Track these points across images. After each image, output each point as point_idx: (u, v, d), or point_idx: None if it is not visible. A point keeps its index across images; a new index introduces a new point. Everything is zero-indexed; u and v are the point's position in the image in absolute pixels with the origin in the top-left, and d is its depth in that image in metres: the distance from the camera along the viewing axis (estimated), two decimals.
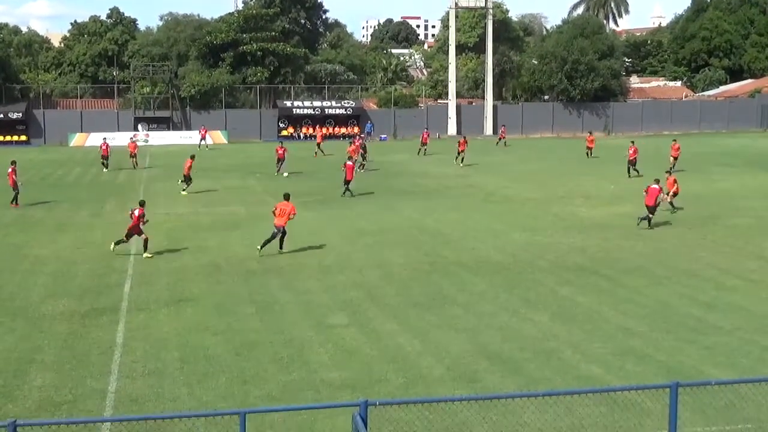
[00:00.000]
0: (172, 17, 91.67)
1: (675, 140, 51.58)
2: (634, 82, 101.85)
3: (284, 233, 26.86)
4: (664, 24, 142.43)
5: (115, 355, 17.09)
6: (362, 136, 67.99)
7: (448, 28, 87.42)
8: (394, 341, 18.01)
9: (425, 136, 62.92)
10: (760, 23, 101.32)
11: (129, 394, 15.03)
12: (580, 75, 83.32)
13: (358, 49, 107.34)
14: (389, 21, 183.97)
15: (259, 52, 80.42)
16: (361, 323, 19.39)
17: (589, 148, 57.55)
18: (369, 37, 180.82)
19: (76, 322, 19.53)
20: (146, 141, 71.32)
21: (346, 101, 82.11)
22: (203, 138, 70.02)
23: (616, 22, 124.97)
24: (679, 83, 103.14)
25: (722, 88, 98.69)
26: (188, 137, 73.61)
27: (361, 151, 51.43)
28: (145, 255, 26.26)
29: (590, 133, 62.36)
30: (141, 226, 26.44)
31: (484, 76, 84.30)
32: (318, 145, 59.99)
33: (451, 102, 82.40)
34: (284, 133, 76.67)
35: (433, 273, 24.36)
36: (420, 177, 47.67)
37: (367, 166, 50.65)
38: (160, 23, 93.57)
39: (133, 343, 17.90)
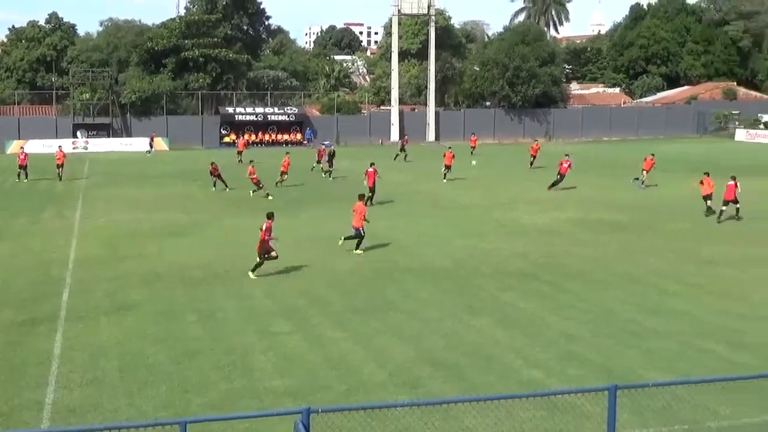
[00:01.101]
0: (113, 23, 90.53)
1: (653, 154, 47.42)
2: (575, 88, 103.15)
3: (361, 235, 28.06)
4: (603, 31, 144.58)
5: (52, 366, 16.80)
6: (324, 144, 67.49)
7: (390, 35, 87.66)
8: (338, 348, 17.98)
9: (404, 141, 64.69)
10: (696, 31, 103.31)
11: (67, 405, 14.79)
12: (522, 81, 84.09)
13: (301, 56, 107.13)
14: (332, 27, 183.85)
15: (201, 58, 79.82)
16: (304, 330, 19.32)
17: (533, 157, 55.56)
18: (312, 44, 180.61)
19: (12, 332, 19.17)
20: (85, 148, 70.34)
21: (288, 108, 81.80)
22: (151, 144, 69.47)
23: (556, 30, 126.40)
24: (617, 90, 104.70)
25: (660, 94, 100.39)
26: (128, 144, 72.75)
27: (326, 158, 51.17)
28: (250, 274, 24.64)
29: (535, 140, 61.70)
30: (270, 243, 24.54)
31: (427, 82, 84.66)
32: (239, 152, 59.34)
33: (394, 108, 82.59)
34: (226, 139, 76.15)
35: (378, 279, 24.38)
36: (360, 184, 47.60)
37: (332, 174, 50.36)
38: (100, 29, 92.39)
39: (72, 352, 17.61)
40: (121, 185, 46.54)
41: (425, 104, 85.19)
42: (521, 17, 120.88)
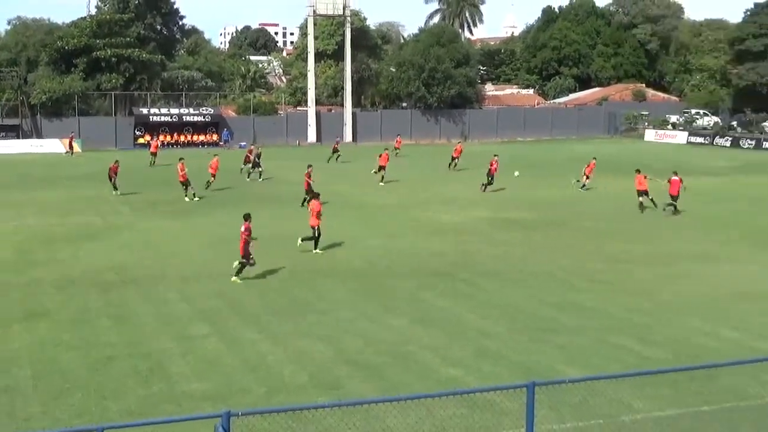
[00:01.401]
0: (21, 21, 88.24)
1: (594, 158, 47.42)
2: (489, 89, 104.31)
3: (317, 234, 28.04)
4: (516, 33, 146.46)
5: None
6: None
7: (306, 36, 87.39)
8: (256, 350, 17.90)
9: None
10: (606, 34, 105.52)
11: None
12: (437, 83, 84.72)
13: (216, 56, 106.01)
14: (247, 28, 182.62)
15: (113, 58, 78.34)
16: (222, 332, 19.18)
17: (454, 158, 54.96)
18: (227, 44, 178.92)
19: None
20: None
21: (204, 108, 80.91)
22: (71, 145, 67.94)
23: (471, 32, 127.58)
24: (531, 91, 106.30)
25: (572, 95, 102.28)
26: (39, 146, 71.03)
27: (254, 159, 50.67)
28: (233, 278, 24.19)
29: (459, 141, 60.49)
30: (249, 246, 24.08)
31: (343, 83, 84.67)
32: (153, 154, 58.39)
33: (311, 109, 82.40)
34: (141, 141, 74.96)
35: (294, 280, 24.32)
36: (280, 184, 47.46)
37: (260, 175, 49.89)
38: (8, 27, 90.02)
39: None
40: (32, 188, 45.46)
41: (342, 105, 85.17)
42: (436, 19, 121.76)
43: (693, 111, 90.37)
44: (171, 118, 77.42)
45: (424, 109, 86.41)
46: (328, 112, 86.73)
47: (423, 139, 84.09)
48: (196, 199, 39.71)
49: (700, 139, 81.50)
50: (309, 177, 38.79)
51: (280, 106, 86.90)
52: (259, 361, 17.15)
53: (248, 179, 49.10)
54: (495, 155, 45.50)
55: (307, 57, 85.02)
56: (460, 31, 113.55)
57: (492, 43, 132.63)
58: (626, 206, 38.51)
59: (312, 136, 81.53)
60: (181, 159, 41.52)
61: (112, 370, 16.66)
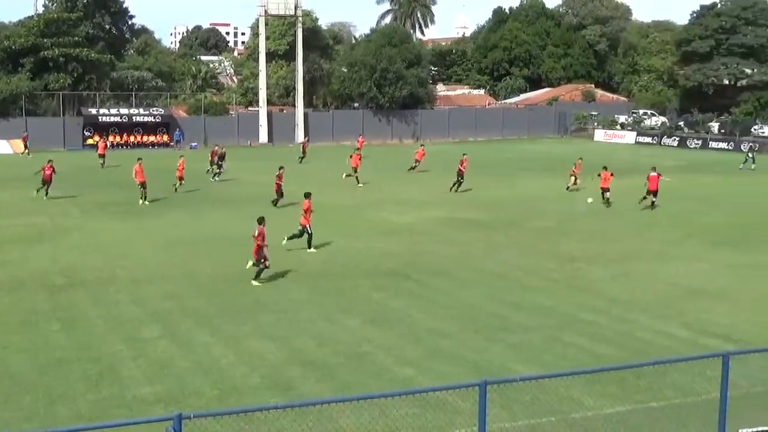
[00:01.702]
0: None
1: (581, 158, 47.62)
2: (441, 90, 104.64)
3: (309, 233, 28.25)
4: (467, 34, 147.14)
5: None
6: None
7: (257, 36, 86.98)
8: (208, 352, 17.79)
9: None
10: (556, 35, 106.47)
11: None
12: (389, 83, 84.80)
13: (166, 56, 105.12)
14: (198, 28, 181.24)
15: (61, 58, 77.23)
16: (173, 335, 19.03)
17: (417, 161, 53.60)
18: (177, 44, 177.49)
19: None
20: None
21: (154, 109, 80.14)
22: (25, 146, 66.79)
23: (422, 32, 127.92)
24: (482, 91, 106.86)
25: (522, 96, 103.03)
26: None
27: (217, 160, 50.20)
28: (253, 282, 23.89)
29: (422, 145, 58.52)
30: (265, 249, 23.84)
31: (295, 83, 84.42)
32: (101, 156, 57.61)
33: (262, 109, 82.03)
34: (90, 141, 74.03)
35: (246, 281, 24.16)
36: (232, 185, 47.21)
37: (218, 176, 49.50)
38: None
39: None
40: None
41: (294, 105, 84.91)
42: (387, 19, 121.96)
43: (641, 111, 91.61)
44: (121, 118, 76.57)
45: (376, 109, 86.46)
46: (280, 112, 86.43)
47: (375, 140, 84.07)
48: (147, 203, 39.11)
49: (648, 139, 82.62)
50: (280, 179, 38.52)
51: (232, 107, 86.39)
52: (211, 364, 17.04)
53: (213, 180, 48.64)
54: (464, 154, 45.44)
55: (258, 57, 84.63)
56: (411, 31, 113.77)
57: (443, 43, 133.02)
58: (580, 206, 38.93)
59: (263, 136, 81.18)
60: (139, 159, 40.83)
61: (61, 373, 16.44)
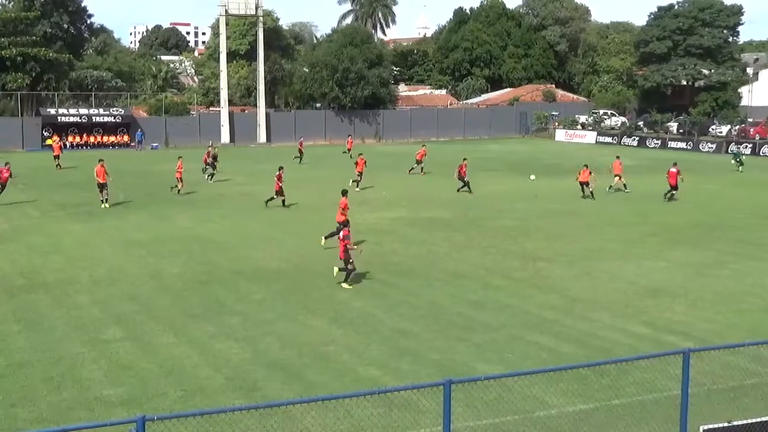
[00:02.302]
0: None
1: (618, 156, 48.09)
2: (402, 90, 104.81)
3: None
4: (429, 34, 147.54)
5: None
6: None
7: (218, 36, 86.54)
8: (171, 354, 17.67)
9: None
10: (516, 35, 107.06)
11: None
12: (351, 83, 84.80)
13: (126, 56, 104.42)
14: (158, 27, 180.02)
15: (19, 58, 76.30)
16: (136, 337, 18.88)
17: (418, 162, 53.13)
18: (137, 44, 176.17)
19: None
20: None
21: (114, 109, 79.47)
22: None
23: (384, 32, 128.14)
24: (444, 91, 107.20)
25: (484, 96, 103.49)
26: None
27: (210, 160, 49.79)
28: (344, 285, 23.61)
29: (423, 145, 57.60)
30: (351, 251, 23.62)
31: (256, 83, 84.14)
32: (56, 157, 57.00)
33: (224, 109, 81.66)
34: (49, 142, 73.18)
35: (210, 282, 24.09)
36: (194, 186, 46.92)
37: (216, 177, 49.13)
38: None
39: None
40: None
41: (255, 105, 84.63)
42: (349, 19, 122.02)
43: (601, 111, 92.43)
44: (80, 118, 75.82)
45: (338, 109, 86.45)
46: (242, 112, 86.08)
47: (337, 140, 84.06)
48: (107, 206, 38.46)
49: (608, 139, 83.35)
50: (280, 179, 38.24)
51: (193, 107, 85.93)
52: (175, 365, 16.93)
53: (209, 181, 48.19)
54: (464, 159, 45.75)
55: (219, 57, 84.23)
56: (373, 31, 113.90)
57: (405, 43, 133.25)
58: (542, 205, 39.20)
59: (225, 136, 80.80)
60: (101, 161, 39.92)
61: (21, 375, 16.25)
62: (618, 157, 46.16)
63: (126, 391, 15.52)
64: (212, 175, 49.14)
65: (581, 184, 41.94)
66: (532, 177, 42.55)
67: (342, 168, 56.44)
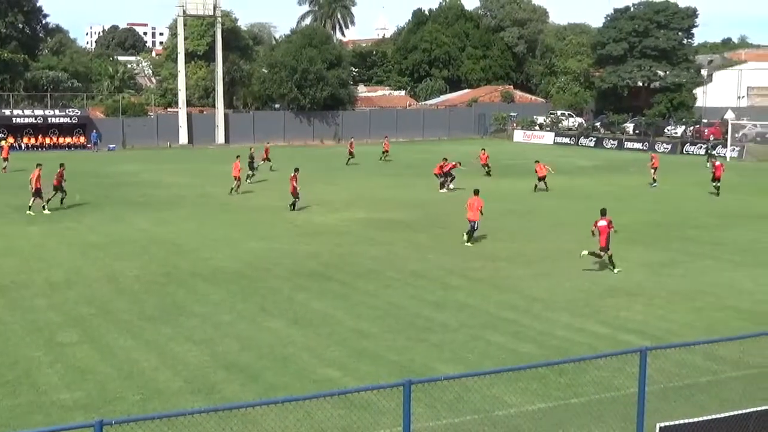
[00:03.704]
0: None
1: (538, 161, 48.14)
2: (362, 91, 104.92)
3: (475, 228, 29.92)
4: (388, 35, 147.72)
5: None
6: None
7: (176, 36, 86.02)
8: (129, 357, 17.51)
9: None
10: (475, 37, 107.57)
11: None
12: (310, 84, 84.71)
13: (82, 56, 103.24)
14: (115, 27, 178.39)
15: None
16: (93, 340, 18.69)
17: (484, 162, 52.63)
18: (93, 44, 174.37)
19: None
20: None
21: (70, 110, 78.61)
22: None
23: (343, 33, 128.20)
24: (403, 92, 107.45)
25: (443, 97, 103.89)
26: None
27: (250, 161, 49.44)
28: (616, 270, 25.64)
29: (444, 159, 54.03)
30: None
31: (215, 84, 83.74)
32: (5, 159, 56.13)
33: (182, 110, 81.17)
34: (2, 143, 72.17)
35: (168, 284, 23.92)
36: (152, 187, 46.62)
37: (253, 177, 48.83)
38: None
39: None
40: None
41: (214, 106, 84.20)
42: (308, 20, 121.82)
43: (559, 112, 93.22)
44: (35, 119, 74.96)
45: (297, 110, 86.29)
46: (200, 113, 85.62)
47: (296, 141, 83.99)
48: (47, 212, 36.77)
49: (566, 140, 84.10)
50: (295, 180, 37.91)
51: (150, 108, 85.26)
52: (132, 368, 16.78)
53: (248, 182, 47.84)
54: (444, 159, 47.01)
55: (177, 58, 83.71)
56: (332, 32, 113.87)
57: (364, 44, 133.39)
58: (501, 205, 39.36)
59: (183, 137, 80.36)
60: (38, 165, 38.27)
61: None
62: (538, 162, 46.41)
63: (83, 395, 15.36)
64: (251, 176, 48.80)
65: (540, 179, 44.11)
66: (465, 168, 44.46)
67: (303, 168, 56.28)
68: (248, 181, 47.78)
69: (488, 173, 52.08)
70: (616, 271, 25.44)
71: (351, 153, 61.56)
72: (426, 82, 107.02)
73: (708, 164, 58.11)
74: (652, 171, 48.14)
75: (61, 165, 39.29)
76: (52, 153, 66.43)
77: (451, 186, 45.27)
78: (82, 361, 17.19)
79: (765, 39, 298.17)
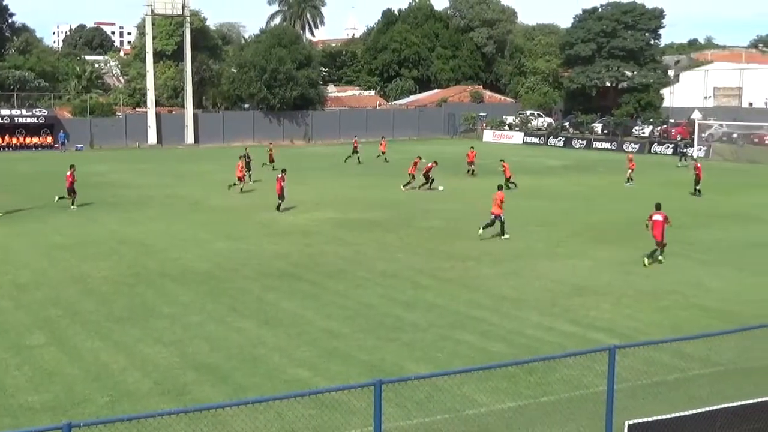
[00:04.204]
0: None
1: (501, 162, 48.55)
2: (331, 91, 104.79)
3: (502, 221, 30.92)
4: (357, 35, 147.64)
5: None
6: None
7: (144, 35, 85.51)
8: (98, 358, 17.38)
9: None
10: (444, 37, 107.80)
11: None
12: (279, 84, 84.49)
13: (49, 56, 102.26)
14: (82, 27, 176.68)
15: None
16: (61, 341, 18.53)
17: (469, 164, 53.45)
18: (60, 43, 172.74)
19: None
20: None
21: (37, 110, 77.90)
22: None
23: (312, 33, 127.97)
24: (373, 92, 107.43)
25: (412, 97, 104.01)
26: None
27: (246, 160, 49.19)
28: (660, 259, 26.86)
29: (472, 148, 56.72)
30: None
31: (184, 84, 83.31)
32: None
33: (150, 110, 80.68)
34: None
35: (137, 285, 23.76)
36: (120, 188, 46.29)
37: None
38: None
39: None
40: None
41: (183, 106, 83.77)
42: (277, 20, 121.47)
43: (528, 112, 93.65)
44: (2, 119, 74.23)
45: (267, 110, 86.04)
46: (169, 113, 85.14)
47: (266, 141, 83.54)
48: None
49: (535, 140, 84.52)
50: (282, 181, 37.77)
51: (119, 108, 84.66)
52: (101, 370, 16.66)
53: (250, 182, 47.73)
54: (435, 162, 46.78)
55: (145, 57, 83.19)
56: (301, 32, 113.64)
57: (334, 44, 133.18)
58: (470, 206, 39.48)
59: (152, 137, 79.87)
60: (71, 166, 39.29)
61: None
62: (503, 161, 47.27)
63: (51, 397, 15.23)
64: (250, 176, 48.60)
65: (507, 179, 44.49)
66: (441, 188, 44.43)
67: (270, 169, 56.16)
68: (251, 181, 47.82)
69: (472, 172, 52.47)
70: (661, 258, 27.00)
71: (355, 150, 61.83)
72: (396, 82, 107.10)
73: (680, 164, 58.87)
74: (629, 171, 48.90)
75: (72, 167, 39.34)
76: (19, 153, 65.88)
77: (433, 185, 45.24)
78: (49, 363, 17.05)
79: (730, 40, 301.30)
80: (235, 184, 44.34)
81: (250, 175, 48.04)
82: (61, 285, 23.77)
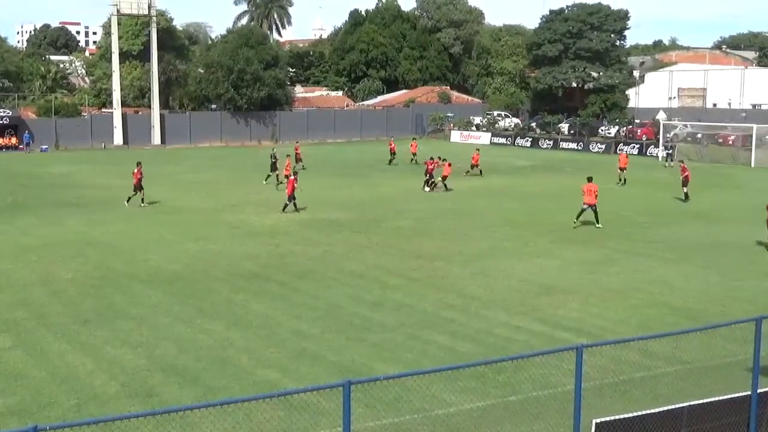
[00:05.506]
0: None
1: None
2: (299, 91, 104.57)
3: (595, 210, 33.28)
4: (325, 36, 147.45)
5: None
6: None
7: (110, 35, 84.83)
8: (64, 361, 17.24)
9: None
10: (411, 37, 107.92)
11: None
12: (246, 84, 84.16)
13: (13, 55, 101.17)
14: (47, 26, 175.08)
15: None
16: (26, 344, 18.35)
17: (473, 166, 52.80)
18: (25, 43, 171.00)
19: None
20: None
21: (1, 110, 77.03)
22: None
23: (279, 33, 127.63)
24: (340, 93, 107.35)
25: (380, 97, 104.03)
26: None
27: (273, 161, 48.62)
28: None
29: (477, 149, 57.14)
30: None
31: (150, 84, 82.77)
32: None
33: (116, 111, 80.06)
34: None
35: (104, 287, 23.58)
36: (86, 189, 45.92)
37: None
38: None
39: None
40: None
41: (149, 107, 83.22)
42: (244, 20, 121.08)
43: (495, 113, 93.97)
44: None
45: (234, 110, 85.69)
46: (135, 114, 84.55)
47: (233, 141, 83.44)
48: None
49: (502, 140, 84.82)
50: (295, 181, 37.60)
51: (84, 108, 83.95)
52: (68, 373, 16.52)
53: (265, 183, 47.48)
54: (444, 159, 46.45)
55: (111, 57, 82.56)
56: (268, 32, 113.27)
57: (301, 45, 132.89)
58: (439, 205, 39.61)
59: (118, 138, 79.26)
60: (138, 163, 39.83)
61: None
62: (445, 159, 47.07)
63: (17, 400, 15.08)
64: (269, 176, 48.20)
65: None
66: (427, 189, 44.84)
67: (238, 169, 55.97)
68: (265, 182, 47.63)
69: (469, 172, 52.33)
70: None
71: (393, 152, 61.23)
72: (363, 82, 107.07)
73: (667, 164, 59.41)
74: (620, 171, 49.22)
75: (138, 164, 39.79)
76: None
77: (427, 188, 45.22)
78: (15, 367, 16.88)
79: (694, 41, 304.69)
80: (281, 183, 44.52)
81: (277, 176, 47.48)
82: (27, 287, 23.55)
